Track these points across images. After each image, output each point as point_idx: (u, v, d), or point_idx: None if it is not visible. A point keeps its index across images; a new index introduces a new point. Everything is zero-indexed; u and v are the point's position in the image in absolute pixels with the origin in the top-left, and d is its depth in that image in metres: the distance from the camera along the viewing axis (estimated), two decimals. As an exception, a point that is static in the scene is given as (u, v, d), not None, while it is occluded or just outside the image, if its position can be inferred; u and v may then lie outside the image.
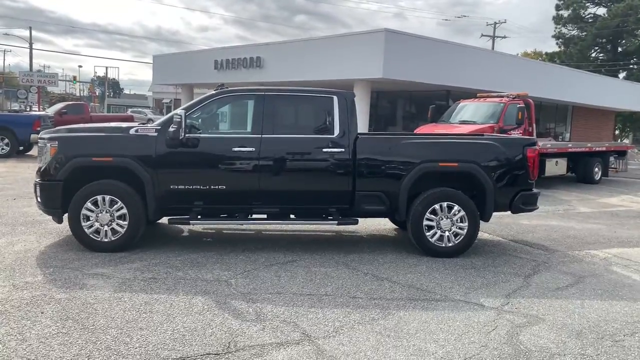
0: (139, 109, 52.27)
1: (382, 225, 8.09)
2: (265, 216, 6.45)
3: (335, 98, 6.34)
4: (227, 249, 6.43)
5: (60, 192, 5.98)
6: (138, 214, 6.05)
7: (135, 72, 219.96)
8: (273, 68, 21.62)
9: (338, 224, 6.30)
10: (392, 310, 4.55)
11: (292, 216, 6.46)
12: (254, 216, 6.47)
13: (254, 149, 6.10)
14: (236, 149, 6.12)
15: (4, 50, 79.74)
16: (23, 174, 12.74)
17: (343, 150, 6.18)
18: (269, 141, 6.17)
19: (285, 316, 4.34)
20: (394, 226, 8.02)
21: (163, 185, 6.05)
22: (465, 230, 6.25)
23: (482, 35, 49.60)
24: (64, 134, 6.21)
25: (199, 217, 6.26)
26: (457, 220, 6.25)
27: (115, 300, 4.56)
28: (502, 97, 13.92)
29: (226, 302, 4.60)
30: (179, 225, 7.17)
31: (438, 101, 20.16)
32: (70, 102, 28.55)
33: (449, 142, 6.65)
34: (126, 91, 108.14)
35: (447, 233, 6.26)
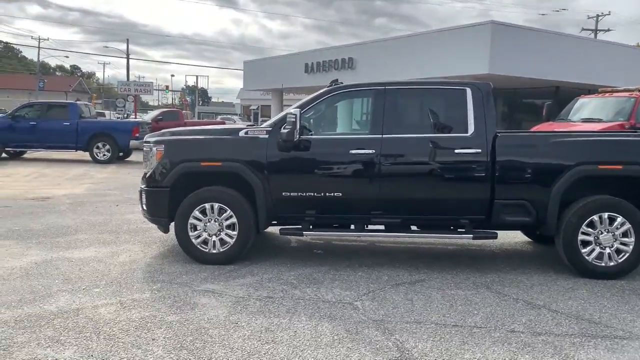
0: (228, 116, 53.44)
1: (512, 237, 7.08)
2: (382, 227, 5.69)
3: (468, 90, 5.48)
4: (342, 263, 5.73)
5: (167, 200, 5.54)
6: (248, 223, 5.49)
7: (221, 81, 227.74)
8: (366, 69, 20.91)
9: (474, 238, 5.42)
10: (569, 351, 3.63)
11: (413, 227, 5.66)
12: (370, 227, 5.74)
13: (373, 151, 5.36)
14: (354, 151, 5.41)
15: (104, 63, 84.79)
16: (124, 180, 12.81)
17: (479, 151, 5.30)
18: (390, 142, 5.41)
19: (436, 355, 3.54)
20: (526, 239, 6.99)
21: (274, 192, 5.45)
22: (631, 247, 5.17)
23: (583, 29, 46.26)
24: (171, 137, 5.78)
25: (311, 227, 5.61)
26: (619, 234, 5.17)
27: (232, 325, 3.97)
28: (631, 91, 12.33)
29: (358, 332, 3.88)
30: (287, 236, 6.58)
31: (543, 99, 18.54)
32: (166, 109, 29.34)
33: (610, 139, 5.57)
34: (214, 99, 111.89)
35: (607, 250, 5.21)
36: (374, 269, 5.54)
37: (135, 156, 18.18)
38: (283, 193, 5.46)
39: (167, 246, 6.33)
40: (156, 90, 72.40)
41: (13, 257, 5.70)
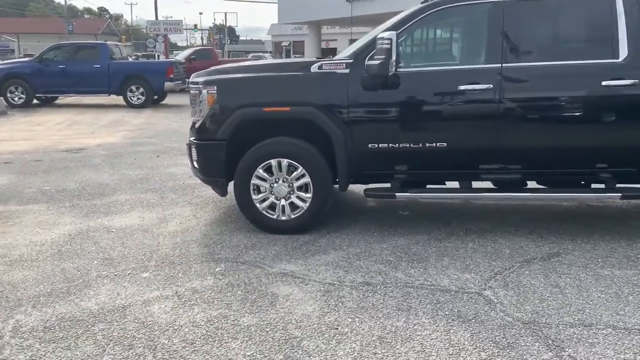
0: (260, 54, 51.63)
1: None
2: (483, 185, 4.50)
3: None
4: (440, 229, 4.59)
5: (223, 156, 4.42)
6: (325, 183, 4.35)
7: (250, 17, 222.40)
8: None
9: (622, 198, 4.17)
10: None
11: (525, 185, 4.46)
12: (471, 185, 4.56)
13: (490, 86, 4.08)
14: (464, 87, 4.13)
15: (131, 3, 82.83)
16: (162, 126, 11.78)
17: (636, 82, 3.96)
18: (513, 73, 4.11)
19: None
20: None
21: (358, 143, 4.27)
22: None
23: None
24: (224, 76, 4.58)
25: (401, 186, 4.45)
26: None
27: (331, 331, 2.91)
28: None
29: (512, 345, 2.77)
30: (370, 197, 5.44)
31: None
32: (198, 48, 27.99)
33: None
34: (242, 37, 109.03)
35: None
36: (485, 237, 4.38)
37: (170, 99, 17.14)
38: (369, 145, 4.27)
39: (223, 208, 5.28)
40: (185, 29, 70.64)
41: (43, 227, 4.74)
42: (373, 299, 3.30)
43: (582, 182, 4.43)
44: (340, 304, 3.23)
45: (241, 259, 3.98)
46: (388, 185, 4.48)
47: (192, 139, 4.67)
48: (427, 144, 4.20)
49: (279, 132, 4.50)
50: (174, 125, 11.69)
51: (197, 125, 4.56)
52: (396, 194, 4.32)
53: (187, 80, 17.16)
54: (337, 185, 4.49)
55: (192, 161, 4.73)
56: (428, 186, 4.52)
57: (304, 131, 4.41)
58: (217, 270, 3.78)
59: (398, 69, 4.06)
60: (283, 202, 4.43)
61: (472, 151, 4.25)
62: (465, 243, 4.25)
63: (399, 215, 5.06)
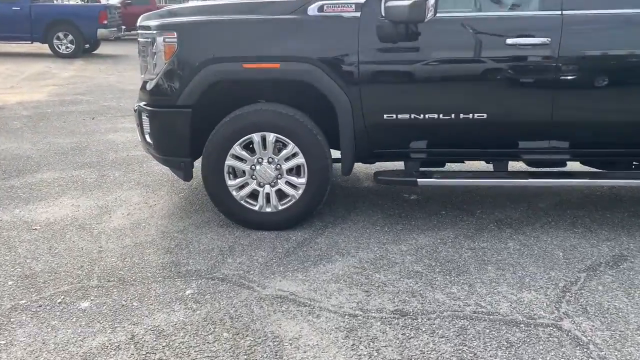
0: None
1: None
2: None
3: None
4: (462, 219, 3.70)
5: (187, 128, 3.27)
6: (323, 165, 3.31)
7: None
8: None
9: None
10: None
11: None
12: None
13: (547, 40, 3.10)
14: (513, 40, 3.13)
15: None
16: (96, 79, 10.21)
17: None
18: (576, 23, 3.13)
19: None
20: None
21: (371, 113, 3.23)
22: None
23: None
24: (187, 18, 3.35)
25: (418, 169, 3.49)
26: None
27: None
28: None
29: None
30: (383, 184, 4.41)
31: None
32: (133, -8, 25.50)
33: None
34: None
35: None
36: (524, 232, 3.49)
37: (104, 48, 15.30)
38: (385, 115, 3.23)
39: (184, 191, 4.14)
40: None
41: None
42: (418, 341, 2.34)
43: (635, 164, 3.60)
44: (375, 355, 2.24)
45: (218, 273, 2.92)
46: (395, 166, 3.49)
47: (143, 104, 3.47)
48: (462, 115, 3.21)
49: (263, 97, 3.41)
50: (110, 80, 10.15)
51: (150, 86, 3.36)
52: (418, 180, 3.31)
53: (122, 27, 15.35)
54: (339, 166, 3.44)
55: (142, 134, 3.55)
56: (452, 169, 3.58)
57: (296, 96, 3.35)
58: (187, 293, 2.71)
59: (436, 14, 2.99)
60: (268, 189, 3.37)
61: (517, 125, 3.30)
62: (503, 242, 3.34)
63: (406, 200, 4.09)
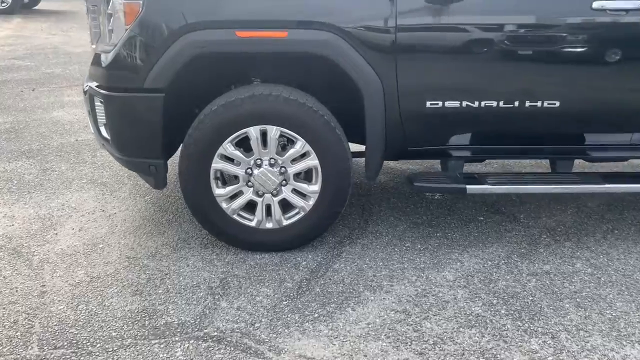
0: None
1: None
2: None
3: None
4: (506, 227, 3.00)
5: (159, 119, 2.38)
6: (343, 167, 2.50)
7: None
8: None
9: None
10: None
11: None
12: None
13: (644, 5, 2.33)
14: (600, 3, 2.34)
15: None
16: (36, 40, 8.93)
17: None
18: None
19: None
20: None
21: (411, 99, 2.43)
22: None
23: None
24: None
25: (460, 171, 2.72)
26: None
27: None
28: None
29: None
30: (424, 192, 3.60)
31: None
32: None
33: None
34: None
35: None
36: (589, 246, 2.82)
37: (46, 3, 13.73)
38: (429, 102, 2.42)
39: (151, 191, 3.26)
40: None
41: None
42: None
43: None
44: None
45: (211, 328, 2.10)
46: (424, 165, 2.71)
47: (95, 85, 2.54)
48: (529, 103, 2.43)
49: (259, 76, 2.55)
50: (54, 41, 8.89)
51: (105, 61, 2.44)
52: (467, 187, 2.53)
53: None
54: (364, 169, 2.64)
55: (96, 125, 2.63)
56: (493, 167, 2.81)
57: (306, 77, 2.49)
58: (170, 369, 1.88)
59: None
60: (269, 199, 2.54)
61: (597, 115, 2.55)
62: (568, 262, 2.65)
63: (430, 200, 3.32)
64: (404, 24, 2.30)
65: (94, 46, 2.58)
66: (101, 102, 2.49)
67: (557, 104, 2.44)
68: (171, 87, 2.37)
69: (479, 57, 2.39)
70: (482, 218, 3.09)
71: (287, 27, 2.29)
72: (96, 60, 2.53)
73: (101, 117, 2.54)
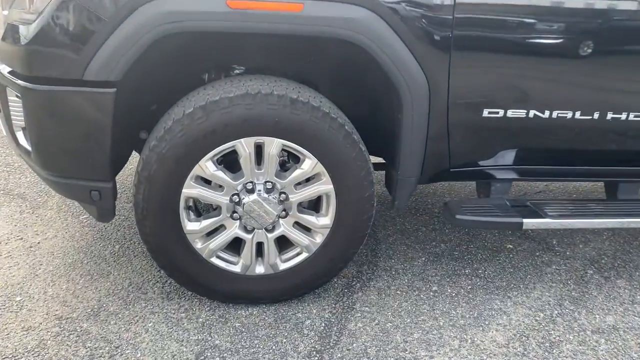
0: None
1: None
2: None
3: None
4: (542, 260, 2.47)
5: (107, 125, 1.61)
6: (365, 194, 1.82)
7: None
8: None
9: None
10: None
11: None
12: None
13: None
14: None
15: None
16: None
17: None
18: None
19: None
20: None
21: (462, 105, 1.78)
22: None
23: None
24: None
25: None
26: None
27: None
28: None
29: None
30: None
31: None
32: None
33: None
34: None
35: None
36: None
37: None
38: (487, 110, 1.77)
39: (99, 233, 2.46)
40: None
41: None
42: None
43: None
44: None
45: None
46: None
47: (8, 71, 1.71)
48: (612, 115, 1.84)
49: (247, 64, 1.83)
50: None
51: (25, 38, 1.61)
52: (524, 221, 1.92)
53: None
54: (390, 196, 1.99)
55: (10, 130, 1.80)
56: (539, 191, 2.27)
57: (312, 67, 1.79)
58: None
59: None
60: (262, 235, 1.83)
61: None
62: (632, 310, 2.12)
63: (441, 218, 2.72)
64: (465, 10, 1.64)
65: (5, 12, 1.75)
66: (18, 96, 1.68)
67: (644, 116, 1.86)
68: (126, 80, 1.60)
69: (558, 57, 1.77)
70: (510, 246, 2.52)
71: (302, -2, 1.56)
72: (10, 34, 1.70)
73: (18, 119, 1.72)
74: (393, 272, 2.24)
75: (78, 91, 1.59)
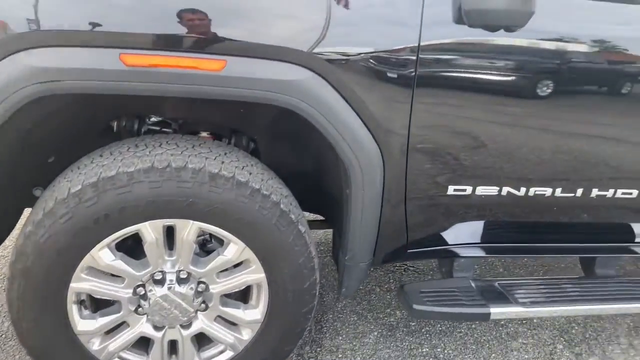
0: None
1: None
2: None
3: None
4: (521, 334, 2.17)
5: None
6: (305, 284, 1.48)
7: None
8: None
9: None
10: None
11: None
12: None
13: None
14: None
15: None
16: None
17: None
18: None
19: None
20: None
21: (423, 182, 1.45)
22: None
23: None
24: None
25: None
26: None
27: None
28: None
29: None
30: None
31: None
32: None
33: None
34: None
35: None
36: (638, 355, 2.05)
37: None
38: (453, 188, 1.47)
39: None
40: None
41: None
42: None
43: None
44: None
45: None
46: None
47: None
48: (598, 192, 1.56)
49: (163, 114, 1.46)
50: None
51: None
52: (492, 310, 1.62)
53: None
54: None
55: None
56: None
57: (259, 124, 1.48)
58: None
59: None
60: (176, 333, 1.46)
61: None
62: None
63: (389, 275, 2.41)
64: (428, 59, 1.31)
65: None
66: None
67: (635, 193, 1.59)
68: (4, 132, 1.20)
69: (544, 117, 1.46)
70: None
71: (225, 52, 1.20)
72: None
73: None
74: (340, 354, 1.92)
75: None
